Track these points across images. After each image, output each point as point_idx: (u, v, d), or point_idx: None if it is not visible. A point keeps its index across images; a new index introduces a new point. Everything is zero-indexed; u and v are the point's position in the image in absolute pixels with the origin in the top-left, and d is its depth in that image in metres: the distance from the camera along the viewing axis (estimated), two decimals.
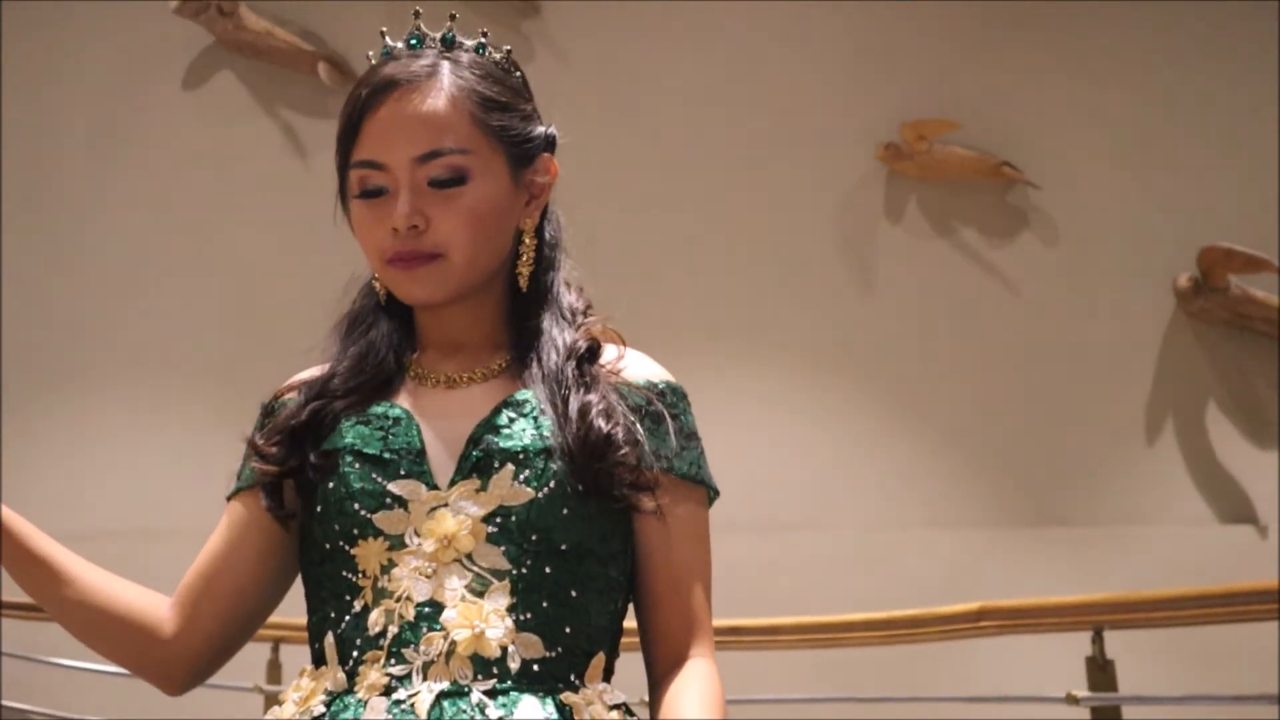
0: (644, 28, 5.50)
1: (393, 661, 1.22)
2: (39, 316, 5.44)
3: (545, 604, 1.24)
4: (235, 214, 5.46)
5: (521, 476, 1.26)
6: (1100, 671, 3.22)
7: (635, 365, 1.36)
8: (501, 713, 1.19)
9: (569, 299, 1.39)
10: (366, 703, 1.20)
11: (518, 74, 1.39)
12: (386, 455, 1.28)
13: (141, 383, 5.37)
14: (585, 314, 1.39)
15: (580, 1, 5.51)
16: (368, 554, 1.26)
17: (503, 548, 1.24)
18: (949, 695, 4.03)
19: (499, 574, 1.24)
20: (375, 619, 1.24)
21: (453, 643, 1.21)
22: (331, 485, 1.29)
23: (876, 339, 5.25)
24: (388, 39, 1.38)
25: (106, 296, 5.46)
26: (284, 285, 5.15)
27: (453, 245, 1.30)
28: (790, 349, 5.25)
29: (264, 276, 5.35)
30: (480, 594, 1.23)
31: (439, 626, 1.22)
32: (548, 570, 1.25)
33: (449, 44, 1.36)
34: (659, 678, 1.29)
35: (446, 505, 1.26)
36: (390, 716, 1.19)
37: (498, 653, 1.21)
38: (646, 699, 1.30)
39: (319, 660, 1.29)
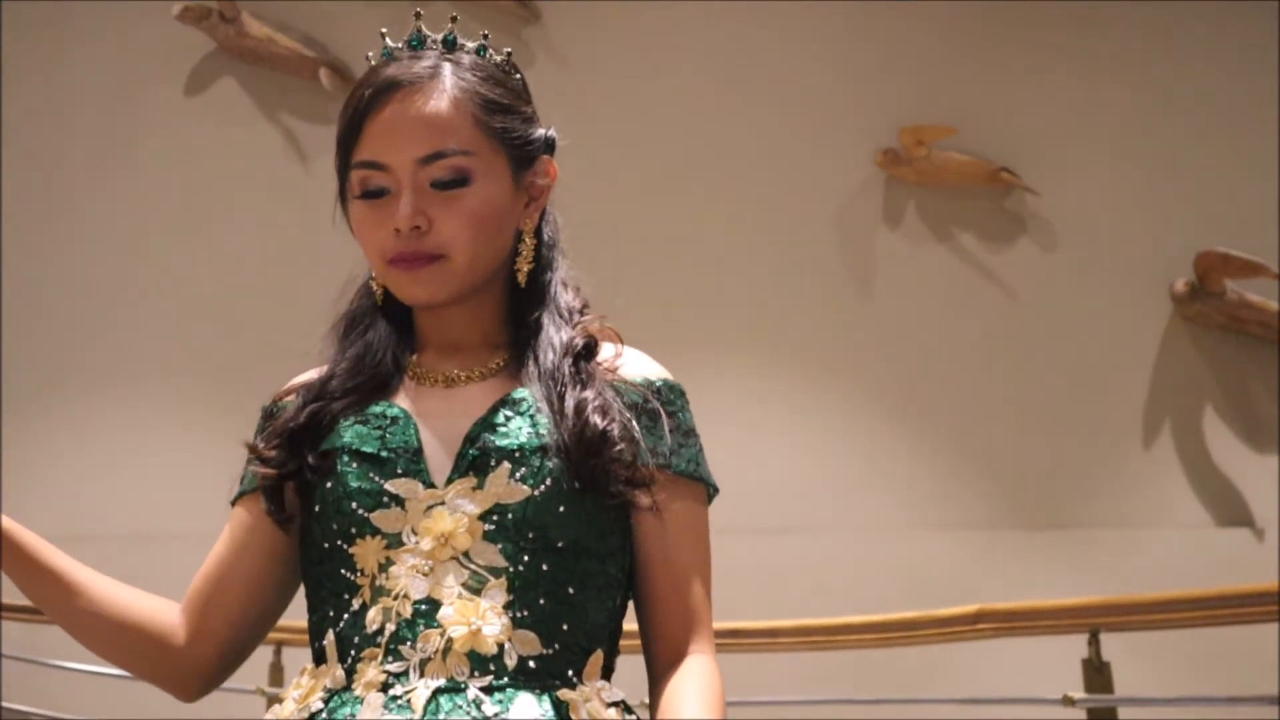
0: (643, 35, 5.50)
1: (390, 658, 1.22)
2: (39, 317, 5.43)
3: (542, 601, 1.24)
4: (236, 218, 5.46)
5: (518, 474, 1.26)
6: (1096, 673, 3.22)
7: (633, 363, 1.37)
8: (498, 709, 1.19)
9: (566, 298, 1.40)
10: (363, 699, 1.20)
11: (518, 76, 1.40)
12: (384, 454, 1.29)
13: (141, 383, 5.37)
14: (582, 313, 1.39)
15: (580, 2, 5.51)
16: (366, 553, 1.26)
17: (499, 545, 1.24)
18: (946, 697, 4.03)
19: (496, 571, 1.24)
20: (373, 617, 1.24)
21: (449, 639, 1.21)
22: (329, 485, 1.29)
23: (875, 342, 5.26)
24: (388, 40, 1.37)
25: (107, 297, 5.46)
26: (284, 288, 5.14)
27: (455, 246, 1.30)
28: (789, 353, 5.25)
29: (264, 280, 5.35)
30: (477, 591, 1.23)
31: (436, 624, 1.22)
32: (544, 567, 1.25)
33: (450, 46, 1.36)
34: (658, 675, 1.29)
35: (443, 503, 1.26)
36: (387, 712, 1.19)
37: (494, 649, 1.21)
38: (647, 700, 1.30)
39: (320, 659, 1.29)
